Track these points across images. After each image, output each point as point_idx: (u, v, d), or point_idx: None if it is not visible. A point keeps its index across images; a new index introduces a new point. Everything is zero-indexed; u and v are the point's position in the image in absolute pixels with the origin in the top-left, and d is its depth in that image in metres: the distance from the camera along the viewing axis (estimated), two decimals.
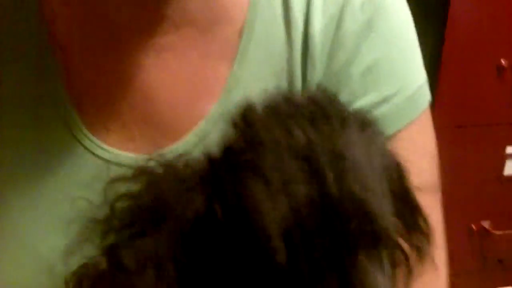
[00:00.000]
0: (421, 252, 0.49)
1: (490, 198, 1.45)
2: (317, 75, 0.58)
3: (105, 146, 0.59)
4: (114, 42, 0.58)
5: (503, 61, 1.28)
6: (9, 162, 0.60)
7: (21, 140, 0.59)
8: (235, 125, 0.43)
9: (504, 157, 1.40)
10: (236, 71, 0.59)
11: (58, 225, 0.57)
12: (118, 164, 0.56)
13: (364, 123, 0.44)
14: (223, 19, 0.59)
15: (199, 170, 0.44)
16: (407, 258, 0.47)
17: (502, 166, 1.41)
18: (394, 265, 0.43)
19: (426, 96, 0.59)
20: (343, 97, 0.47)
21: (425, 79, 0.60)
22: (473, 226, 1.47)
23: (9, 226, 0.59)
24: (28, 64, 0.59)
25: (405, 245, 0.48)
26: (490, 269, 1.54)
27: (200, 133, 0.58)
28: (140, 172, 0.46)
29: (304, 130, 0.40)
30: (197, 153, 0.46)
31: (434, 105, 1.27)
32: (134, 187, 0.45)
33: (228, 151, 0.42)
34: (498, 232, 1.47)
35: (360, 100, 0.56)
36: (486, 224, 1.47)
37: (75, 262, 0.53)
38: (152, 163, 0.45)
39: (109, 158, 0.58)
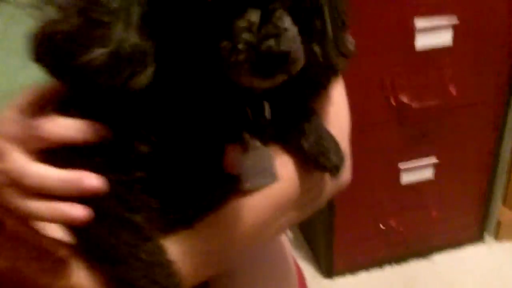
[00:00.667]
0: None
1: (405, 73, 1.54)
2: None
3: None
4: None
5: None
6: None
7: None
8: None
9: (413, 29, 1.47)
10: None
11: None
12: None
13: None
14: None
15: None
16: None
17: (412, 40, 1.49)
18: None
19: None
20: None
21: None
22: (392, 101, 1.56)
23: None
24: None
25: None
26: (413, 142, 1.65)
27: None
28: None
29: None
30: None
31: None
32: None
33: None
34: (416, 105, 1.57)
35: None
36: (404, 98, 1.57)
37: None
38: None
39: None
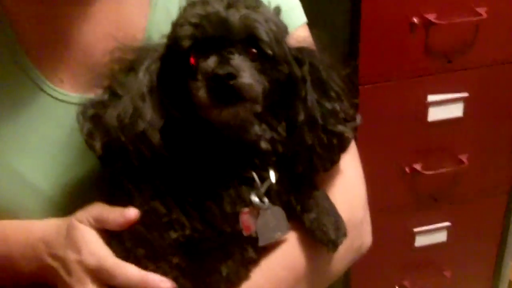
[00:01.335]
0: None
1: (418, 143, 1.62)
2: None
3: (63, 91, 0.75)
4: (52, 12, 0.74)
5: (414, 19, 1.43)
6: None
7: None
8: None
9: (426, 105, 1.55)
10: (151, 21, 0.76)
11: (39, 153, 0.75)
12: (78, 104, 0.71)
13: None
14: None
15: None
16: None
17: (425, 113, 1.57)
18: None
19: (302, 14, 0.82)
20: None
21: (297, 3, 0.82)
22: (406, 169, 1.64)
23: None
24: None
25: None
26: (424, 206, 1.72)
27: None
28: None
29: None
30: None
31: (358, 65, 1.43)
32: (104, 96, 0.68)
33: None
34: (429, 172, 1.64)
35: None
36: (417, 166, 1.64)
37: (58, 179, 0.74)
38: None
39: (67, 99, 0.75)
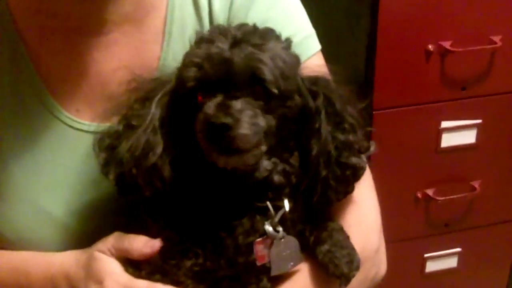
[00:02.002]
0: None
1: (431, 169, 1.62)
2: None
3: (78, 119, 0.76)
4: (70, 43, 0.76)
5: (430, 46, 1.44)
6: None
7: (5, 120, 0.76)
8: None
9: (440, 131, 1.56)
10: (166, 50, 0.76)
11: (55, 181, 0.75)
12: (94, 132, 0.72)
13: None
14: (151, 11, 0.77)
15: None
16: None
17: (439, 139, 1.57)
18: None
19: (316, 42, 0.81)
20: None
21: (312, 31, 0.81)
22: (419, 194, 1.63)
23: (9, 185, 0.75)
24: (2, 55, 0.75)
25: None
26: (437, 232, 1.71)
27: None
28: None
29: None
30: None
31: (373, 92, 1.43)
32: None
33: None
34: (441, 198, 1.63)
35: None
36: (430, 192, 1.64)
37: (73, 206, 0.75)
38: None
39: (82, 128, 0.76)
